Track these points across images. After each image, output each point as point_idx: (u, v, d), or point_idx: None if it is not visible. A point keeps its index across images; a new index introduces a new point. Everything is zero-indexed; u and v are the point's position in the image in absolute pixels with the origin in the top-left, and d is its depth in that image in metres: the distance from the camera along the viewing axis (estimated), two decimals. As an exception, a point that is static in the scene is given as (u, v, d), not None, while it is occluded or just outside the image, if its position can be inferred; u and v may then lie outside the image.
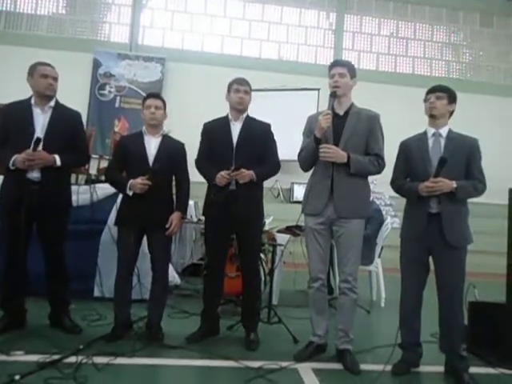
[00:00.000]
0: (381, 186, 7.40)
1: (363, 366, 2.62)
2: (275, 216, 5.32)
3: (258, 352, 2.82)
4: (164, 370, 2.50)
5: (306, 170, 2.87)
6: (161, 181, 2.86)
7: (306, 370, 2.56)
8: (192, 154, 3.05)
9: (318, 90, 9.76)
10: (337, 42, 11.58)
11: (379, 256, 4.51)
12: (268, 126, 3.06)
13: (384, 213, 5.80)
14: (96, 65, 10.51)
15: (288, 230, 4.26)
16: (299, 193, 9.61)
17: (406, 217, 2.75)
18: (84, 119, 3.29)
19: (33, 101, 2.84)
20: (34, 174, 2.76)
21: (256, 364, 2.54)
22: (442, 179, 2.48)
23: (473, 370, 2.59)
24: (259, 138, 2.97)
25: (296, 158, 2.88)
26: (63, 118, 2.89)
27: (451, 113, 2.70)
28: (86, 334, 2.88)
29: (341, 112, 2.76)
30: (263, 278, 3.95)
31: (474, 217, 2.84)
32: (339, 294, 2.76)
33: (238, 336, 3.05)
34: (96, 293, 3.75)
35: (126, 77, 10.56)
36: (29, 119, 2.79)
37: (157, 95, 3.05)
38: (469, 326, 3.05)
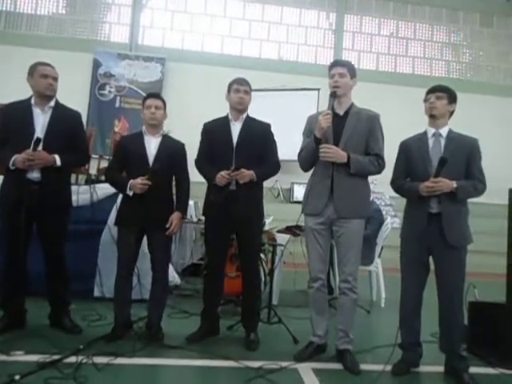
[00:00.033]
0: (381, 186, 7.40)
1: (363, 366, 2.62)
2: (275, 216, 5.33)
3: (258, 352, 2.82)
4: (164, 370, 2.50)
5: (306, 170, 2.87)
6: (161, 181, 2.86)
7: (305, 370, 2.56)
8: (192, 153, 3.05)
9: (318, 90, 9.76)
10: (337, 41, 11.58)
11: (379, 256, 4.51)
12: (268, 126, 3.06)
13: (384, 213, 5.80)
14: (96, 65, 10.51)
15: (288, 230, 4.26)
16: (299, 193, 9.61)
17: (406, 217, 2.75)
18: (84, 119, 3.29)
19: (33, 101, 2.84)
20: (34, 174, 2.76)
21: (256, 364, 2.54)
22: (442, 179, 2.48)
23: (473, 369, 2.59)
24: (259, 138, 2.97)
25: (296, 157, 2.88)
26: (63, 118, 2.89)
27: (451, 113, 2.69)
28: (86, 334, 2.88)
29: (341, 112, 2.76)
30: (263, 278, 3.95)
31: (474, 217, 2.84)
32: (339, 294, 2.76)
33: (238, 336, 3.05)
34: (96, 293, 3.75)
35: (126, 77, 10.56)
36: (29, 119, 2.79)
37: (157, 95, 3.05)
38: (469, 326, 3.05)
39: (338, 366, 2.65)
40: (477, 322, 3.07)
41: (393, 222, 6.69)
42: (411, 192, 2.63)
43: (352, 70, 2.76)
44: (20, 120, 2.80)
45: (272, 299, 3.54)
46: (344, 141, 2.68)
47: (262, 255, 4.12)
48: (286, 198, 10.24)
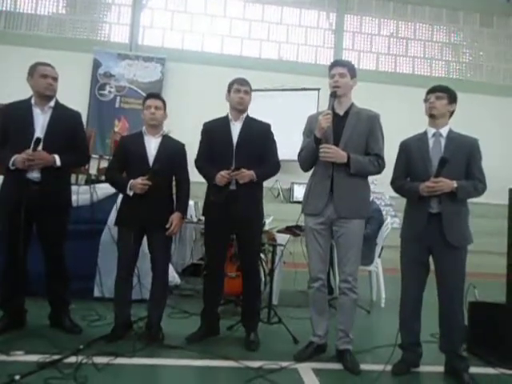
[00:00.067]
0: (381, 186, 7.40)
1: (363, 366, 2.62)
2: (275, 216, 5.33)
3: (258, 352, 2.82)
4: (164, 370, 2.50)
5: (305, 170, 2.87)
6: (161, 181, 2.86)
7: (306, 370, 2.56)
8: (192, 154, 3.04)
9: (318, 89, 9.77)
10: (337, 41, 11.59)
11: (379, 256, 4.51)
12: (268, 126, 3.06)
13: (384, 213, 5.81)
14: (96, 65, 10.52)
15: (288, 230, 4.26)
16: (299, 193, 9.61)
17: (407, 217, 2.75)
18: (84, 119, 3.29)
19: (33, 101, 2.84)
20: (34, 174, 2.76)
21: (256, 364, 2.54)
22: (442, 179, 2.48)
23: (473, 370, 2.59)
24: (259, 138, 2.96)
25: (296, 158, 2.87)
26: (63, 118, 2.89)
27: (451, 113, 2.69)
28: (85, 334, 2.87)
29: (341, 112, 2.76)
30: (263, 278, 3.95)
31: (474, 217, 2.84)
32: (339, 294, 2.76)
33: (238, 336, 3.05)
34: (96, 293, 3.75)
35: (126, 77, 10.57)
36: (29, 119, 2.79)
37: (157, 95, 3.05)
38: (469, 326, 3.05)
39: (338, 366, 2.65)
40: (477, 322, 3.07)
41: (393, 222, 6.70)
42: (411, 192, 2.63)
43: (352, 70, 2.76)
44: (20, 120, 2.79)
45: (272, 299, 3.54)
46: (344, 141, 2.68)
47: (262, 255, 4.12)
48: (286, 197, 10.25)
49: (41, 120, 2.81)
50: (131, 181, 2.81)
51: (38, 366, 2.27)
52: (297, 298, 4.41)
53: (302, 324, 3.18)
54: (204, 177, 2.98)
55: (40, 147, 2.70)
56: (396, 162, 2.80)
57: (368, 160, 2.69)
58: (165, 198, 2.94)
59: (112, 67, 10.55)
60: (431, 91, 2.66)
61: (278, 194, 10.05)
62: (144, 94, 3.22)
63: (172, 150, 2.95)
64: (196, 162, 3.03)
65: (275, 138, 3.06)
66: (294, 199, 9.96)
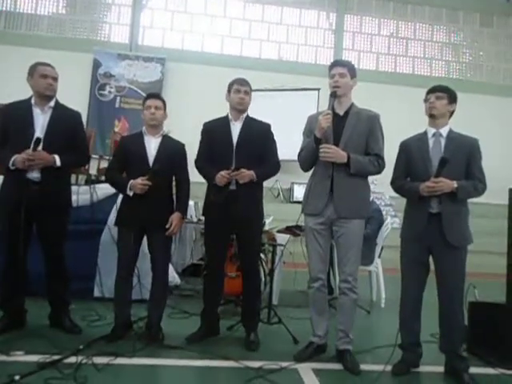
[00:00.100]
0: (381, 186, 7.40)
1: (363, 367, 2.62)
2: (275, 216, 5.33)
3: (258, 352, 2.82)
4: (164, 370, 2.50)
5: (305, 170, 2.87)
6: (161, 181, 2.86)
7: (306, 370, 2.56)
8: (192, 154, 3.04)
9: (318, 89, 9.77)
10: (337, 42, 11.59)
11: (379, 256, 4.51)
12: (268, 126, 3.06)
13: (384, 213, 5.81)
14: (96, 65, 10.52)
15: (288, 230, 4.26)
16: (299, 193, 9.61)
17: (407, 217, 2.75)
18: (84, 119, 3.29)
19: (33, 101, 2.84)
20: (34, 174, 2.76)
21: (256, 364, 2.54)
22: (442, 179, 2.48)
23: (473, 370, 2.59)
24: (259, 138, 2.96)
25: (296, 158, 2.87)
26: (63, 118, 2.89)
27: (451, 113, 2.69)
28: (85, 334, 2.87)
29: (341, 112, 2.76)
30: (263, 278, 3.95)
31: (474, 217, 2.84)
32: (339, 294, 2.76)
33: (238, 336, 3.05)
34: (96, 293, 3.75)
35: (126, 77, 10.57)
36: (29, 119, 2.79)
37: (157, 95, 3.05)
38: (469, 326, 3.05)
39: (338, 366, 2.65)
40: (477, 322, 3.07)
41: (393, 222, 6.70)
42: (411, 192, 2.63)
43: (352, 70, 2.76)
44: (20, 120, 2.79)
45: (272, 299, 3.54)
46: (344, 141, 2.68)
47: (262, 255, 4.12)
48: (286, 197, 10.25)
49: (41, 120, 2.81)
50: (131, 181, 2.81)
51: (38, 366, 2.27)
52: (297, 298, 4.41)
53: (301, 324, 3.18)
54: (204, 177, 2.98)
55: (40, 147, 2.70)
56: (396, 162, 2.80)
57: (368, 160, 2.69)
58: (165, 198, 2.94)
59: (112, 67, 10.55)
60: (431, 91, 2.66)
61: (278, 193, 10.05)
62: (144, 94, 3.23)
63: (172, 150, 2.95)
64: (196, 162, 3.03)
65: (275, 137, 3.06)
66: (294, 199, 9.96)
